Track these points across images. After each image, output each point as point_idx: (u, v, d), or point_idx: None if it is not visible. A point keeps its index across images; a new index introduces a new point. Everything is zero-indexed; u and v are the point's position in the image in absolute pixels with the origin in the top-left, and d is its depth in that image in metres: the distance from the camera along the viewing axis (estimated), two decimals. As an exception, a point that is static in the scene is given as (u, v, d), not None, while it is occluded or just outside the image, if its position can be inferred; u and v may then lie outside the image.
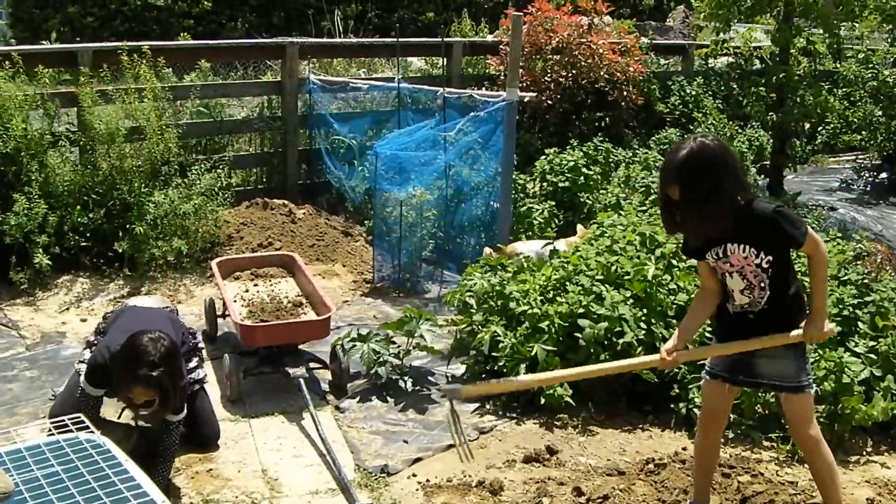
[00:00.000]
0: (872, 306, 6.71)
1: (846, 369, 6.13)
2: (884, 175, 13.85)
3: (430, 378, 6.98)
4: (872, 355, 6.36)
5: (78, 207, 8.72)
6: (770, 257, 4.51)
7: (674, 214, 4.54)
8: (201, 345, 6.38)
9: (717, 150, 4.40)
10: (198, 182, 9.26)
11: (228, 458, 5.82)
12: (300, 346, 6.89)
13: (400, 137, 9.05)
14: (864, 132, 14.20)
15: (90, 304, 8.21)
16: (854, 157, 14.87)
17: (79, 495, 3.95)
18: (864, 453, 6.15)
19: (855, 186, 13.74)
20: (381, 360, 6.69)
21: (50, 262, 8.28)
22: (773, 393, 5.09)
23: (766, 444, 6.10)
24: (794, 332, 4.61)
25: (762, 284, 4.57)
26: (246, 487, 5.49)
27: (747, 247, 4.51)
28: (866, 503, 5.52)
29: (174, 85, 10.23)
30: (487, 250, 8.12)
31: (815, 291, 4.61)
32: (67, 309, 8.11)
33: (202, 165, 9.53)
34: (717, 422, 5.02)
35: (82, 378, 5.48)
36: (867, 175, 13.97)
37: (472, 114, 8.81)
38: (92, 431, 4.45)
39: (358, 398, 6.65)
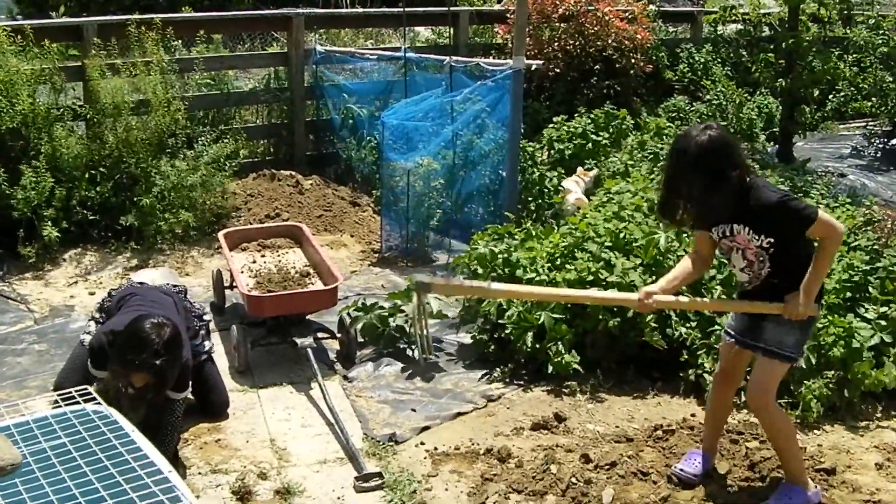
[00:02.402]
0: (882, 272, 6.68)
1: (856, 335, 6.11)
2: (895, 141, 13.75)
3: (437, 346, 6.97)
4: (882, 321, 6.34)
5: (85, 181, 8.71)
6: (771, 239, 4.54)
7: (679, 208, 4.63)
8: (208, 317, 6.38)
9: (724, 138, 4.45)
10: (204, 154, 9.24)
11: (237, 428, 5.83)
12: (308, 317, 6.88)
13: (407, 107, 9.01)
14: (874, 99, 14.08)
15: (98, 277, 8.21)
16: (865, 124, 14.77)
17: (86, 466, 3.95)
18: (875, 419, 6.13)
19: (865, 153, 13.66)
20: (388, 329, 6.68)
21: (59, 235, 8.28)
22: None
23: (774, 410, 6.09)
24: (775, 304, 4.65)
25: (761, 260, 4.60)
26: (254, 457, 5.50)
27: (749, 229, 4.55)
28: (875, 468, 5.52)
29: (181, 57, 10.20)
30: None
31: (813, 269, 4.60)
32: (76, 282, 8.11)
33: (209, 137, 9.51)
34: (727, 381, 5.11)
35: (88, 361, 5.48)
36: (878, 142, 13.89)
37: (479, 82, 8.78)
38: (99, 403, 4.45)
39: (366, 367, 6.65)
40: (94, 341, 5.48)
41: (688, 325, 6.42)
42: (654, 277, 6.51)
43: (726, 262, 4.86)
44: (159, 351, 4.99)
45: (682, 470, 5.16)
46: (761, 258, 4.59)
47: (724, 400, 5.21)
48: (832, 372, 6.05)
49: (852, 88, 14.62)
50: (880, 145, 13.80)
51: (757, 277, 4.67)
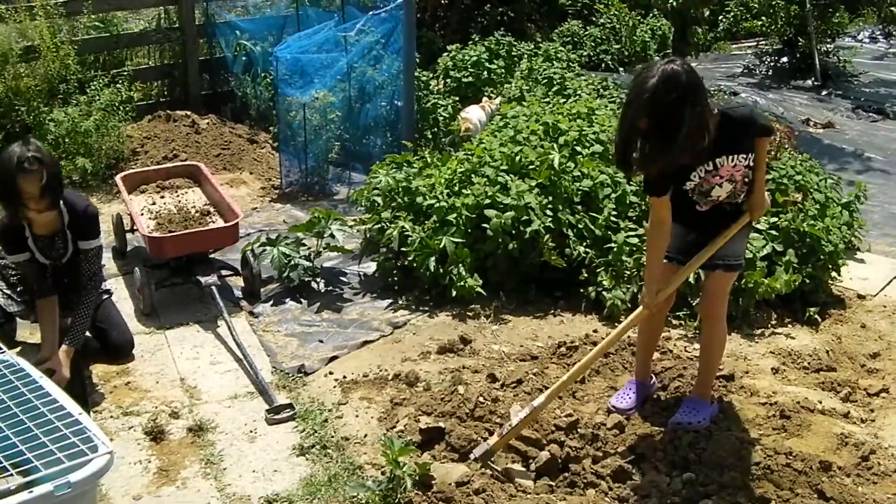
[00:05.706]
0: (772, 183, 6.84)
1: (749, 245, 6.26)
2: (784, 59, 14.01)
3: (341, 278, 7.03)
4: (773, 231, 6.53)
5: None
6: (752, 153, 4.59)
7: (636, 149, 4.34)
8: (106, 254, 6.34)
9: (687, 74, 4.21)
10: (97, 98, 9.08)
11: (146, 370, 5.82)
12: (211, 255, 6.87)
13: (300, 40, 8.92)
14: (764, 18, 14.32)
15: (-5, 227, 8.05)
16: (756, 43, 15.02)
17: (-6, 415, 3.93)
18: (769, 326, 6.34)
19: (757, 71, 13.91)
20: (291, 263, 6.71)
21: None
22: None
23: (674, 322, 6.25)
24: (743, 219, 4.74)
25: (746, 180, 4.65)
26: (165, 397, 5.51)
27: (736, 155, 4.53)
28: (771, 373, 5.72)
29: (66, 0, 9.96)
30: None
31: (760, 170, 4.72)
32: (-29, 234, 7.94)
33: (101, 81, 9.34)
34: (667, 302, 5.11)
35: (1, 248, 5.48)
36: (768, 60, 14.13)
37: (371, 13, 8.73)
38: (3, 351, 4.42)
39: (271, 302, 6.68)
40: None
41: (585, 244, 6.55)
42: (550, 198, 6.61)
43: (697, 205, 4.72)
44: (28, 149, 5.10)
45: (615, 407, 5.16)
46: (746, 178, 4.63)
47: (660, 323, 5.29)
48: (727, 282, 6.22)
49: (742, 8, 14.85)
50: (771, 63, 14.05)
51: (738, 194, 4.69)
